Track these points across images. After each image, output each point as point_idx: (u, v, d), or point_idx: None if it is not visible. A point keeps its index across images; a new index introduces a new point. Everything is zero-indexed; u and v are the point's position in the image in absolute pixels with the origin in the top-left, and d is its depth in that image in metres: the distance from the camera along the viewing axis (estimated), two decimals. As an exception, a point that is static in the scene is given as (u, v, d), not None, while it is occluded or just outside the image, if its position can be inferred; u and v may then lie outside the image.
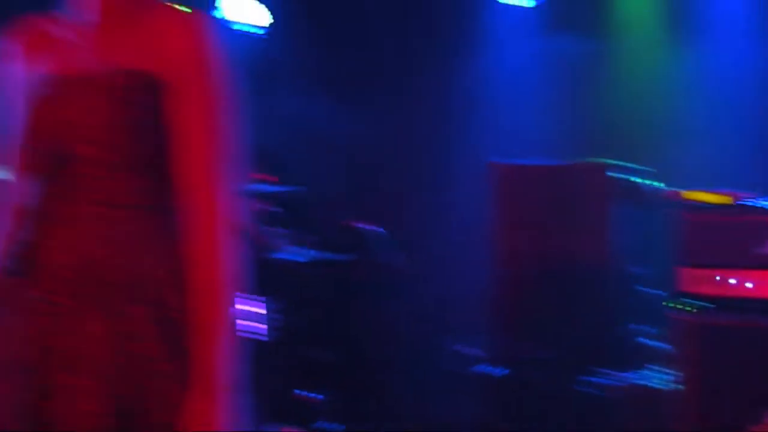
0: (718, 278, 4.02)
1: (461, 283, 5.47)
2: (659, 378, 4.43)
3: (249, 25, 6.04)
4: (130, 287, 1.65)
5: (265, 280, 4.45)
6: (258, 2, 6.03)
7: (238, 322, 1.69)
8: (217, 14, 5.83)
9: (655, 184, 4.98)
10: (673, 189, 4.36)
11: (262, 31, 6.07)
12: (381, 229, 5.52)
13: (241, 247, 1.69)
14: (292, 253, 5.20)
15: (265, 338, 4.67)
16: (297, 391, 4.90)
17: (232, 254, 1.68)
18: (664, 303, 4.19)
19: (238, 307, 1.69)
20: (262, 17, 6.05)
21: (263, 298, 4.64)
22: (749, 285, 3.95)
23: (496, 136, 5.79)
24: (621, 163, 4.94)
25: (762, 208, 4.00)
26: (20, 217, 1.73)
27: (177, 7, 1.76)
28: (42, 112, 1.69)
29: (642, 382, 4.52)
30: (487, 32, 6.14)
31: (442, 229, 5.92)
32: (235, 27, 5.92)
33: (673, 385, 4.12)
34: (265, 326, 4.66)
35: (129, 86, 1.67)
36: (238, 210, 1.71)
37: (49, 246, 1.68)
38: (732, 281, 3.99)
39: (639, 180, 4.97)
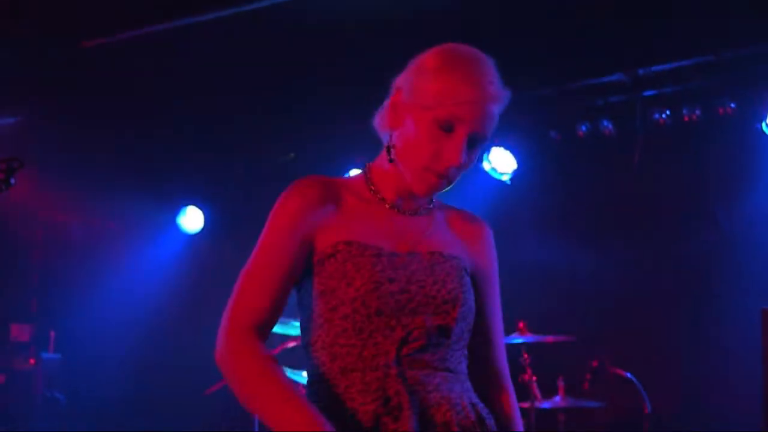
0: None
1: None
2: None
3: (495, 171, 6.21)
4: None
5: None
6: (504, 149, 6.20)
7: None
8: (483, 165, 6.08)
9: None
10: None
11: (508, 177, 6.21)
12: (630, 374, 5.39)
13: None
14: (540, 400, 5.17)
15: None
16: None
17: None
18: None
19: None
20: (509, 163, 6.22)
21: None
22: None
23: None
24: None
25: None
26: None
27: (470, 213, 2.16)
28: (389, 284, 1.89)
29: None
30: (753, 170, 5.76)
31: (704, 377, 5.64)
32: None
33: None
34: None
35: (466, 269, 2.02)
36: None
37: (411, 403, 1.85)
38: None
39: None
